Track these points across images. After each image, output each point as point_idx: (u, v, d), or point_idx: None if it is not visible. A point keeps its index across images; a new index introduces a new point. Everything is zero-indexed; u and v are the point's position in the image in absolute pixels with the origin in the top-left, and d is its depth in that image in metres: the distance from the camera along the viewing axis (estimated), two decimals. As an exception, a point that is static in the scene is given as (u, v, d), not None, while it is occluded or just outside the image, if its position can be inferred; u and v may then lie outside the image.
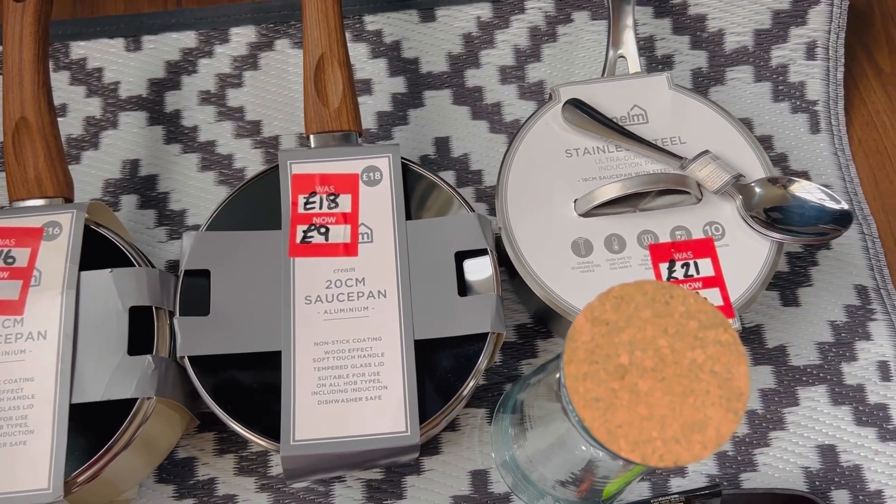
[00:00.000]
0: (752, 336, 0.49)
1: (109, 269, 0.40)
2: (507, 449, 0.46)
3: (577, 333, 0.27)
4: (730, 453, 0.47)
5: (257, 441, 0.38)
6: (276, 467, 0.46)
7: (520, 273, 0.43)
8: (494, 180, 0.53)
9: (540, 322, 0.50)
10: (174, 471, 0.46)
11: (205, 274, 0.41)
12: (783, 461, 0.47)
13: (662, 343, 0.26)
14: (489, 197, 0.52)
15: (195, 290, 0.41)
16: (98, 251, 0.41)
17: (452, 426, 0.47)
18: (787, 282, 0.51)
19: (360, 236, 0.42)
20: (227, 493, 0.45)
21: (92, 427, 0.38)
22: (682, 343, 0.26)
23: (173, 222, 0.51)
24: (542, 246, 0.43)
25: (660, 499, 0.42)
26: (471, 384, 0.40)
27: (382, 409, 0.38)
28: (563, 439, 0.46)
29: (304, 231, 0.42)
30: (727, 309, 0.42)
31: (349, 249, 0.42)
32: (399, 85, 0.55)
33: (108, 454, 0.38)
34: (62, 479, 0.36)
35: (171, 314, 0.40)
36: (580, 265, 0.43)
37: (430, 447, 0.47)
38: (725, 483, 0.46)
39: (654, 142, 0.46)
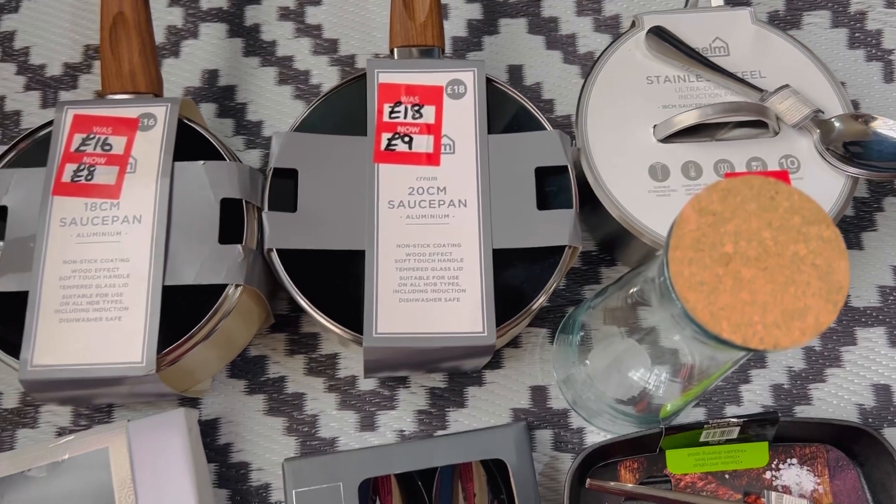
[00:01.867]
0: (813, 276, 0.50)
1: (202, 161, 0.41)
2: (568, 367, 0.48)
3: (684, 222, 0.27)
4: (785, 386, 0.48)
5: (340, 332, 0.40)
6: (344, 370, 0.48)
7: (596, 194, 0.44)
8: (566, 110, 0.53)
9: (605, 250, 0.51)
10: (246, 367, 0.48)
11: (292, 174, 0.42)
12: (837, 397, 0.48)
13: (766, 235, 0.27)
14: (559, 126, 0.53)
15: (283, 189, 0.42)
16: (190, 144, 0.42)
17: (515, 343, 0.49)
18: (852, 225, 0.51)
19: (442, 147, 0.43)
20: (296, 392, 0.47)
21: (182, 310, 0.39)
22: (785, 236, 0.27)
23: (250, 132, 0.53)
24: (620, 168, 0.44)
25: (717, 420, 0.44)
26: (545, 294, 0.41)
27: (460, 311, 0.40)
28: (621, 359, 0.48)
29: (388, 139, 0.43)
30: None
31: (432, 159, 0.43)
32: (475, 11, 0.55)
33: (196, 336, 0.39)
34: (155, 355, 0.38)
35: (259, 210, 0.42)
36: (656, 189, 0.44)
37: (492, 362, 0.48)
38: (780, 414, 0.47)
39: (734, 74, 0.46)
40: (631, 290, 0.41)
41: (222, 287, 0.40)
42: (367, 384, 0.48)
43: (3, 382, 0.47)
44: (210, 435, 0.46)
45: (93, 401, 0.42)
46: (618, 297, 0.44)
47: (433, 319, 0.39)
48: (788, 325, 0.26)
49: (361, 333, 0.39)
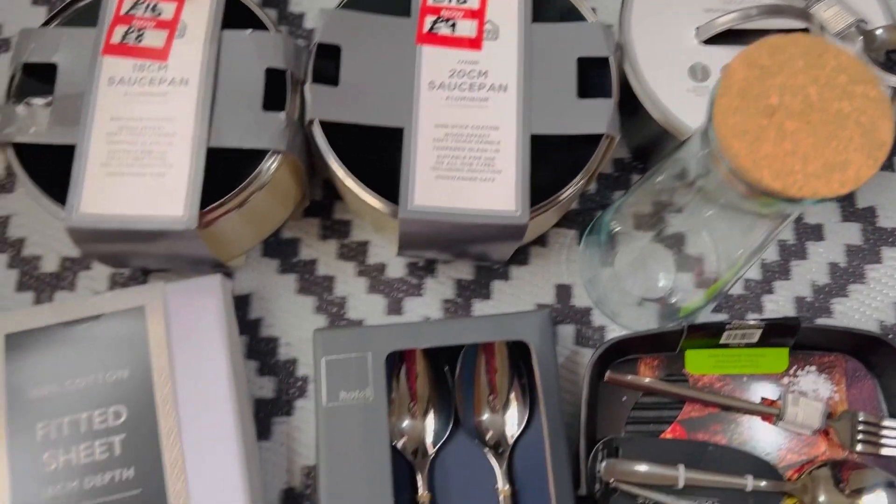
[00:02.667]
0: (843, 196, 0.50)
1: (249, 30, 0.42)
2: (594, 268, 0.48)
3: (732, 73, 0.28)
4: (808, 299, 0.48)
5: (377, 203, 0.40)
6: (374, 257, 0.49)
7: (636, 92, 0.45)
8: (606, 18, 0.53)
9: (637, 157, 0.51)
10: (279, 248, 0.49)
11: (335, 51, 0.43)
12: (859, 312, 0.48)
13: (812, 91, 0.28)
14: (598, 36, 0.53)
15: (326, 64, 0.42)
16: (238, 14, 0.43)
17: (542, 241, 0.49)
18: (887, 148, 0.51)
19: (485, 32, 0.43)
20: (326, 274, 0.48)
21: (223, 173, 0.40)
22: (830, 93, 0.28)
23: (292, 24, 0.53)
24: (661, 66, 0.44)
25: (739, 322, 0.44)
26: (580, 182, 0.42)
27: (495, 191, 0.40)
28: (646, 260, 0.48)
29: (432, 21, 0.43)
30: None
31: (474, 43, 0.43)
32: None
33: (236, 199, 0.40)
34: (197, 211, 0.39)
35: (302, 83, 0.42)
36: (695, 89, 0.44)
37: (519, 258, 0.49)
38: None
39: (780, -19, 0.46)
40: (659, 179, 0.41)
41: (263, 153, 0.41)
42: (395, 271, 0.49)
43: (42, 246, 0.48)
44: (242, 309, 0.47)
45: (132, 260, 0.43)
46: (646, 195, 0.45)
47: (468, 197, 0.40)
48: (828, 177, 0.27)
49: (398, 205, 0.40)
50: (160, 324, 0.42)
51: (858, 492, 0.42)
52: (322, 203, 0.50)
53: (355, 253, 0.49)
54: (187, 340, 0.42)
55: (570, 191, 0.42)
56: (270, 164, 0.41)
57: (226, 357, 0.42)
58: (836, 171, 0.27)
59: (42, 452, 0.39)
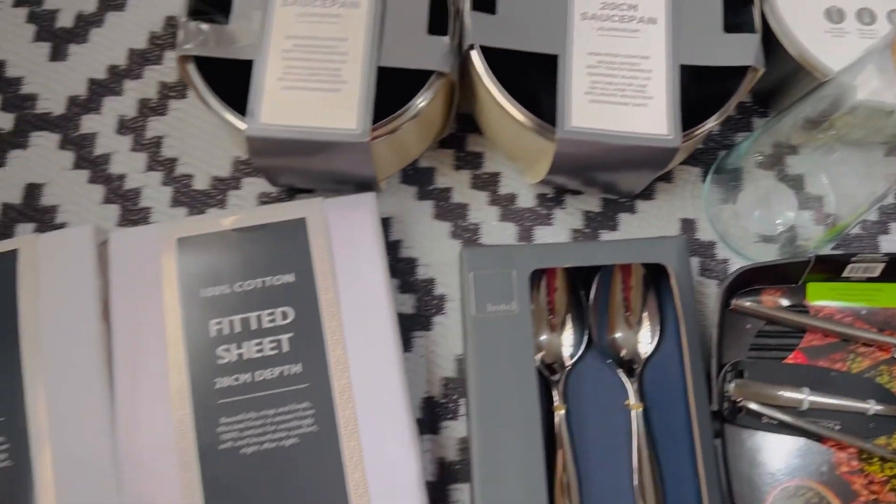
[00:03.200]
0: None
1: (415, -40, 0.44)
2: (718, 204, 0.50)
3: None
4: (923, 241, 0.50)
5: (533, 125, 0.43)
6: (505, 187, 0.51)
7: (773, 29, 0.47)
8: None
9: (760, 101, 0.53)
10: (416, 176, 0.51)
11: (493, -19, 0.45)
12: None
13: None
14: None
15: (484, -7, 0.45)
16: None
17: (667, 178, 0.52)
18: None
19: (634, -31, 0.45)
20: (461, 202, 0.51)
21: (391, 90, 0.43)
22: None
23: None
24: (798, 8, 0.46)
25: (865, 254, 0.46)
26: (727, 111, 0.44)
27: (648, 116, 0.42)
28: (769, 198, 0.50)
29: (583, -42, 0.45)
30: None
31: (623, -20, 0.45)
32: None
33: (403, 116, 0.43)
34: (369, 125, 0.41)
35: (461, 11, 0.45)
36: (831, 30, 0.46)
37: (644, 192, 0.51)
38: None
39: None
40: (792, 119, 0.43)
41: (426, 75, 0.43)
42: (525, 202, 0.51)
43: (192, 166, 0.51)
44: (383, 231, 0.50)
45: (292, 176, 0.46)
46: (775, 135, 0.47)
47: (622, 121, 0.42)
48: None
49: (554, 126, 0.42)
50: (321, 234, 0.44)
51: (981, 415, 0.45)
52: (455, 136, 0.52)
53: (487, 183, 0.51)
54: (346, 250, 0.44)
55: (716, 120, 0.44)
56: (433, 86, 0.43)
57: (383, 268, 0.44)
58: None
59: (215, 347, 0.42)
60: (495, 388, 0.43)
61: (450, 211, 0.51)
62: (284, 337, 0.43)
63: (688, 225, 0.51)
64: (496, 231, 0.50)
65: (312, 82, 0.42)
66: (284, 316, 0.43)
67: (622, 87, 0.43)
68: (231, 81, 0.43)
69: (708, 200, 0.51)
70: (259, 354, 0.42)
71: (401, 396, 0.42)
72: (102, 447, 0.41)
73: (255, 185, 0.51)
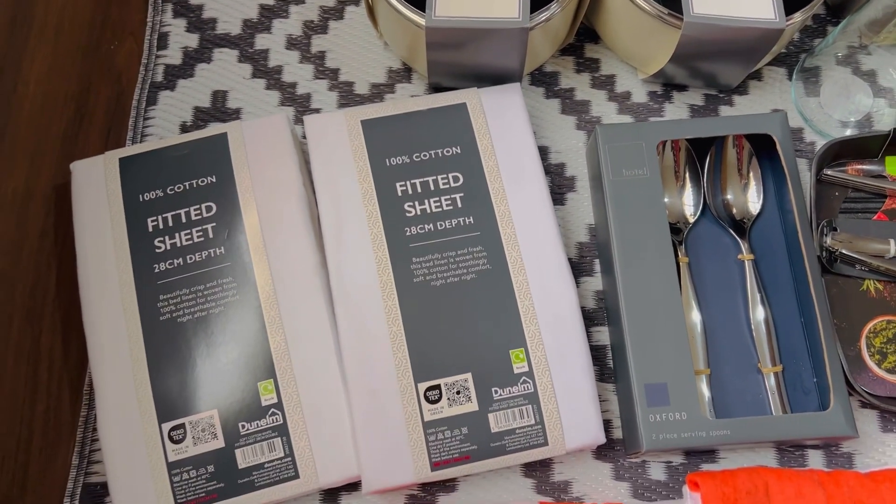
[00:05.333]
0: None
1: None
2: (804, 96, 0.59)
3: None
4: (981, 123, 0.58)
5: (659, 13, 0.51)
6: (620, 86, 0.59)
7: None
8: None
9: (832, 11, 0.62)
10: (543, 79, 0.60)
11: None
12: None
13: None
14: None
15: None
16: None
17: (758, 77, 0.60)
18: None
19: None
20: (583, 99, 0.59)
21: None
22: None
23: None
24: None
25: (935, 128, 0.54)
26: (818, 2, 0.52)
27: (757, 2, 0.51)
28: (848, 89, 0.58)
29: None
30: None
31: None
32: None
33: (546, 13, 0.51)
34: (528, 14, 0.50)
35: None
36: (900, -61, 0.55)
37: (739, 89, 0.60)
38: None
39: None
40: (865, 16, 0.52)
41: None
42: (638, 98, 0.59)
43: (352, 75, 0.59)
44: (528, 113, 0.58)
45: (456, 71, 0.54)
46: (849, 35, 0.55)
47: (736, 7, 0.51)
48: None
49: (681, 14, 0.51)
50: (480, 115, 0.53)
51: None
52: (574, 45, 0.61)
53: (605, 83, 0.60)
54: (501, 127, 0.53)
55: (809, 11, 0.52)
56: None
57: (533, 143, 0.53)
58: None
59: (403, 203, 0.50)
60: (634, 239, 0.51)
61: (574, 107, 0.59)
62: (457, 196, 0.51)
63: (785, 116, 0.59)
64: (615, 121, 0.58)
65: (478, -18, 0.51)
66: (456, 180, 0.51)
67: (733, -17, 0.52)
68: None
69: (796, 92, 0.59)
70: (438, 209, 0.50)
71: (556, 242, 0.50)
72: (315, 279, 0.49)
73: (406, 89, 0.59)
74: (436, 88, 0.59)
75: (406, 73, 0.59)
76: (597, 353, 0.53)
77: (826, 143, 0.55)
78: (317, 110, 0.58)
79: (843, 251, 0.53)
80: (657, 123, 0.54)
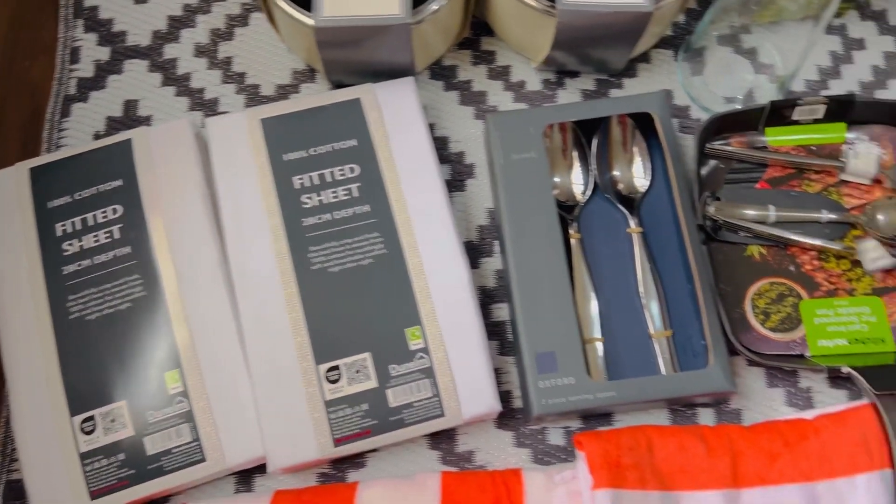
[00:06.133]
0: (878, 15, 0.64)
1: None
2: (689, 76, 0.62)
3: None
4: (858, 93, 0.62)
5: (539, 4, 0.54)
6: (515, 76, 0.62)
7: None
8: None
9: (715, -5, 0.65)
10: (442, 72, 0.62)
11: None
12: (898, 100, 0.61)
13: None
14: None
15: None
16: None
17: (646, 59, 0.63)
18: (911, -21, 0.65)
19: None
20: (480, 90, 0.62)
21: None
22: None
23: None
24: None
25: (807, 98, 0.57)
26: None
27: (625, -8, 0.54)
28: (730, 67, 0.61)
29: None
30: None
31: None
32: None
33: (427, 9, 0.54)
34: (410, 9, 0.53)
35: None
36: (765, -78, 0.58)
37: (629, 72, 0.63)
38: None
39: None
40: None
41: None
42: (533, 86, 0.62)
43: (258, 77, 0.62)
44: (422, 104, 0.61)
45: (349, 69, 0.57)
46: (719, 14, 0.58)
47: (607, -4, 0.54)
48: None
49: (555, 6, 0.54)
50: (374, 108, 0.56)
51: (909, 207, 0.56)
52: (472, 39, 0.63)
53: (501, 74, 0.62)
54: (395, 119, 0.55)
55: (679, -6, 0.55)
56: (453, -16, 0.55)
57: (426, 133, 0.55)
58: None
59: (300, 196, 0.53)
60: (524, 219, 0.54)
61: (472, 98, 0.62)
62: (354, 186, 0.53)
63: (666, 94, 0.62)
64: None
65: (362, -17, 0.54)
66: (352, 170, 0.54)
67: (605, -29, 0.55)
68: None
69: (681, 74, 0.62)
70: (335, 199, 0.53)
71: (450, 225, 0.53)
72: (217, 273, 0.51)
73: (310, 88, 0.62)
74: (338, 86, 0.61)
75: (310, 73, 0.62)
76: (499, 328, 0.56)
77: (708, 119, 0.58)
78: (225, 113, 0.61)
79: (725, 219, 0.56)
80: (543, 109, 0.57)
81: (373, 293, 0.51)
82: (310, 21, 0.53)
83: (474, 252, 0.58)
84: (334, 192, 0.53)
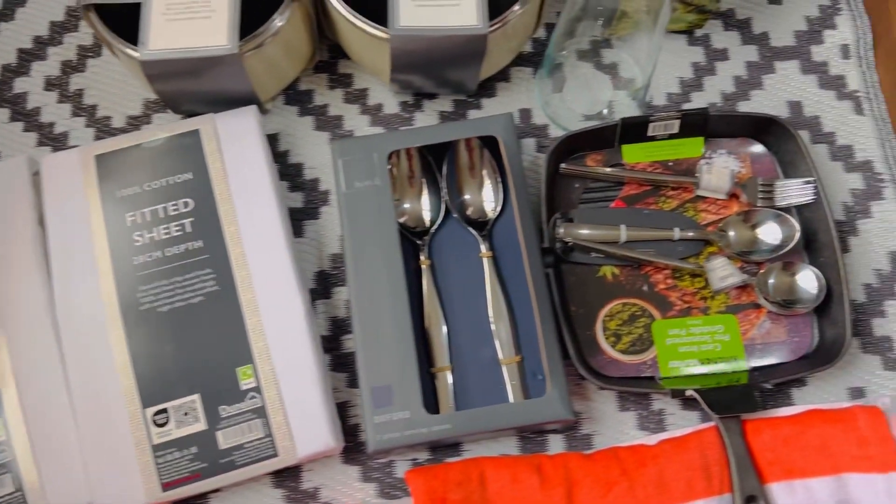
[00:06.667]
0: (741, 24, 0.63)
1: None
2: (548, 94, 0.61)
3: None
4: (719, 105, 0.61)
5: (372, 30, 0.53)
6: (373, 99, 0.61)
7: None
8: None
9: (577, 9, 0.64)
10: (298, 97, 0.61)
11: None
12: (759, 111, 0.60)
13: None
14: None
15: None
16: None
17: (506, 77, 0.62)
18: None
19: None
20: (336, 115, 0.61)
21: (255, 14, 0.53)
22: None
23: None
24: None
25: (661, 113, 0.56)
26: (517, 8, 0.54)
27: (462, 12, 0.53)
28: (589, 84, 0.61)
29: None
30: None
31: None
32: None
33: (266, 32, 0.53)
34: (237, 41, 0.52)
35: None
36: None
37: (488, 91, 0.61)
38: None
39: None
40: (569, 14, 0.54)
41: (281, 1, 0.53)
42: (390, 109, 0.61)
43: (109, 109, 0.60)
44: (273, 144, 0.60)
45: (188, 99, 0.56)
46: (567, 26, 0.57)
47: (441, 18, 0.52)
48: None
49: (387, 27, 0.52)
50: (213, 140, 0.54)
51: (755, 225, 0.55)
52: (329, 62, 0.62)
53: (357, 97, 0.61)
54: (234, 150, 0.54)
55: (516, 12, 0.54)
56: (286, 10, 0.54)
57: (266, 164, 0.54)
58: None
59: (132, 233, 0.52)
60: (366, 247, 0.53)
61: (327, 123, 0.61)
62: (187, 221, 0.52)
63: (525, 113, 0.61)
64: (367, 134, 0.60)
65: (189, 13, 0.52)
66: (186, 205, 0.53)
67: (439, -6, 0.54)
68: (127, 26, 0.53)
69: (540, 91, 0.61)
70: (167, 236, 0.52)
71: (287, 259, 0.52)
72: (44, 317, 0.50)
73: (163, 118, 0.60)
74: (190, 115, 0.60)
75: (162, 103, 0.61)
76: (350, 359, 0.55)
77: (559, 138, 0.56)
78: (74, 147, 0.59)
79: (576, 242, 0.55)
80: (387, 135, 0.56)
81: (204, 332, 0.50)
82: (136, 55, 0.52)
83: (327, 281, 0.57)
84: (167, 229, 0.52)
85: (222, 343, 0.50)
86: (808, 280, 0.53)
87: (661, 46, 0.54)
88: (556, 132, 0.61)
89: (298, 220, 0.58)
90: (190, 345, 0.50)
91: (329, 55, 0.62)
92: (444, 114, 0.61)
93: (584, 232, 0.55)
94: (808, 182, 0.55)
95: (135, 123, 0.60)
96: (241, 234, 0.52)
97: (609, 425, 0.53)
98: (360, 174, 0.54)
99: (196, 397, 0.49)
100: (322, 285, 0.57)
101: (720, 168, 0.57)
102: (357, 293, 0.52)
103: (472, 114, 0.61)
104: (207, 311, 0.50)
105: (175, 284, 0.51)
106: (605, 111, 0.61)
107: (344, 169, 0.55)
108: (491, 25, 0.53)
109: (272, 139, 0.60)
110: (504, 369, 0.53)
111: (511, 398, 0.52)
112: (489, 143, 0.57)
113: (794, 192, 0.56)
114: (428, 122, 0.61)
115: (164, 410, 0.49)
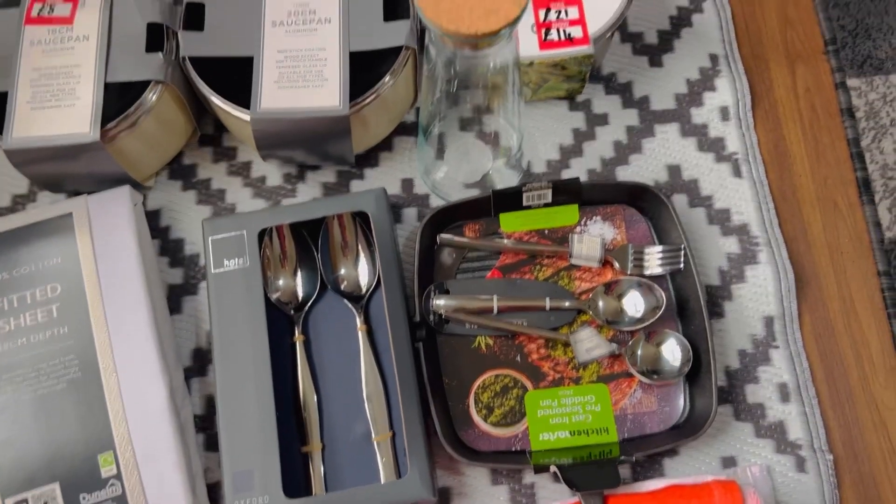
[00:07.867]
0: (623, 88, 0.64)
1: (133, -3, 0.56)
2: (429, 163, 0.61)
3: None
4: (598, 170, 0.61)
5: (235, 111, 0.53)
6: (256, 171, 0.62)
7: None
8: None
9: (460, 77, 0.64)
10: (181, 171, 0.62)
11: (201, 6, 0.56)
12: (638, 175, 0.61)
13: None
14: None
15: (194, 15, 0.56)
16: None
17: (389, 147, 0.62)
18: (654, 48, 0.64)
19: (315, -17, 0.57)
20: (219, 188, 0.61)
21: (120, 100, 0.54)
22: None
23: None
24: None
25: (532, 184, 0.57)
26: (389, 82, 0.55)
27: (324, 94, 0.53)
28: (469, 153, 0.61)
29: (270, -22, 0.57)
30: (586, 40, 0.57)
31: (307, -8, 0.57)
32: None
33: (130, 118, 0.53)
34: (99, 128, 0.52)
35: (176, 33, 0.56)
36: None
37: (370, 162, 0.62)
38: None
39: None
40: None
41: (148, 84, 0.54)
42: (273, 181, 0.61)
43: None
44: (155, 220, 0.60)
45: (62, 181, 0.56)
46: (429, 97, 0.57)
47: (304, 100, 0.53)
48: (487, 19, 0.40)
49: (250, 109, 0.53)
50: (84, 223, 0.55)
51: (620, 295, 0.55)
52: (213, 136, 0.63)
53: (241, 170, 0.62)
54: (105, 233, 0.55)
55: (377, 91, 0.54)
56: (155, 92, 0.54)
57: (136, 245, 0.55)
58: (491, 14, 0.40)
59: (-2, 320, 0.52)
60: (233, 329, 0.53)
61: (210, 196, 0.61)
62: (53, 306, 0.53)
63: (407, 183, 0.61)
64: (250, 207, 0.61)
65: (54, 101, 0.53)
66: (54, 290, 0.53)
67: (304, 74, 0.54)
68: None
69: (421, 160, 0.62)
70: (33, 322, 0.52)
71: (151, 342, 0.52)
72: None
73: (50, 197, 0.61)
74: (75, 193, 0.61)
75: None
76: (225, 438, 0.55)
77: (433, 209, 0.57)
78: (-43, 228, 0.60)
79: (450, 314, 0.56)
80: (258, 213, 0.56)
81: (66, 419, 0.50)
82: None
83: (204, 359, 0.57)
84: (33, 315, 0.52)
85: (84, 429, 0.50)
86: (672, 350, 0.53)
87: (520, 112, 0.55)
88: (437, 202, 0.61)
89: (178, 296, 0.58)
90: (52, 432, 0.50)
91: (213, 129, 0.63)
92: (328, 185, 0.61)
93: (456, 303, 0.56)
94: (676, 249, 0.56)
95: (21, 202, 0.61)
96: (106, 318, 0.52)
97: (480, 500, 0.53)
98: (230, 252, 0.55)
99: (56, 486, 0.49)
100: (199, 362, 0.57)
101: (591, 237, 0.57)
102: (222, 375, 0.52)
103: (355, 184, 0.61)
104: (70, 398, 0.50)
105: (38, 372, 0.51)
106: (484, 179, 0.61)
107: (213, 248, 0.55)
108: (352, 105, 0.54)
109: (154, 215, 0.60)
110: (376, 446, 0.53)
111: (382, 477, 0.52)
112: (365, 216, 0.58)
113: (662, 259, 0.56)
114: (311, 193, 0.61)
115: (25, 501, 0.49)
